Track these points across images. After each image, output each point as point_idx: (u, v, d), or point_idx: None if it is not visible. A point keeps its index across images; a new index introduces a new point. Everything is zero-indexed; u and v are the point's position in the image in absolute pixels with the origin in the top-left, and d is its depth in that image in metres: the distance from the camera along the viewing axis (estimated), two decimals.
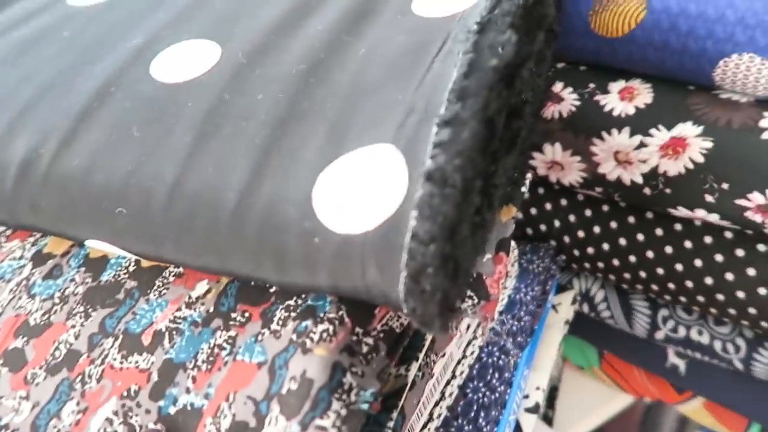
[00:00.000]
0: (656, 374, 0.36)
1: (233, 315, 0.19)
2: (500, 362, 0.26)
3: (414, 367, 0.19)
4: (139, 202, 0.18)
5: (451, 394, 0.25)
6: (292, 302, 0.19)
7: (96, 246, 0.21)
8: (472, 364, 0.26)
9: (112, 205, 0.19)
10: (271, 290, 0.19)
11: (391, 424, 0.18)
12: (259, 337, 0.18)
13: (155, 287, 0.21)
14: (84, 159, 0.19)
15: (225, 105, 0.19)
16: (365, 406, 0.16)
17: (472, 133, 0.16)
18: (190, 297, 0.20)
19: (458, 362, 0.26)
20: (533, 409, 0.28)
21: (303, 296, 0.19)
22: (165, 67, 0.21)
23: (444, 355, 0.23)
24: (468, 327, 0.26)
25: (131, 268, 0.21)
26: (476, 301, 0.21)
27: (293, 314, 0.18)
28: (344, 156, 0.17)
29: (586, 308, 0.34)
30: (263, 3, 0.23)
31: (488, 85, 0.16)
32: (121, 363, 0.19)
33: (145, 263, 0.22)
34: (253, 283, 0.20)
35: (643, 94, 0.26)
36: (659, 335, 0.32)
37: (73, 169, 0.19)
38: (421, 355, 0.20)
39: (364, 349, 0.18)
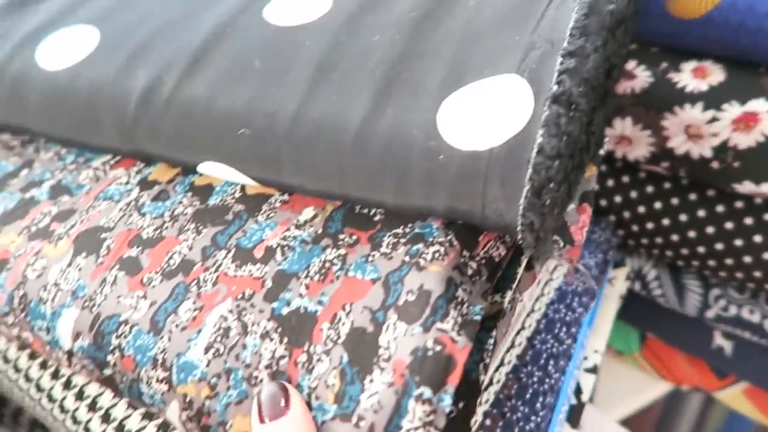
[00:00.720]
0: (700, 357, 0.37)
1: (341, 236, 0.21)
2: (567, 318, 0.28)
3: (508, 295, 0.21)
4: (262, 124, 0.20)
5: (520, 344, 0.26)
6: (399, 230, 0.20)
7: (209, 171, 0.23)
8: (540, 319, 0.28)
9: (235, 127, 0.20)
10: (376, 218, 0.21)
11: (490, 342, 0.19)
12: (370, 258, 0.19)
13: (262, 211, 0.22)
14: (206, 87, 0.21)
15: (341, 45, 0.21)
16: (477, 318, 0.18)
17: (594, 64, 0.17)
18: (297, 220, 0.21)
19: (528, 314, 0.27)
20: (592, 370, 0.29)
21: (409, 225, 0.20)
22: (277, 12, 0.23)
23: (522, 300, 0.25)
24: (538, 282, 0.28)
25: (237, 194, 0.23)
26: (562, 245, 0.23)
27: (402, 240, 0.20)
28: (467, 85, 0.18)
29: (637, 287, 0.36)
30: None
31: (606, 25, 0.18)
32: (235, 272, 0.20)
33: (250, 191, 0.23)
34: (358, 210, 0.21)
35: (716, 73, 0.28)
36: (710, 314, 0.33)
37: (197, 95, 0.21)
38: (514, 286, 0.21)
39: (470, 271, 0.19)
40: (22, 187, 0.25)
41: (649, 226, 0.32)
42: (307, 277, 0.19)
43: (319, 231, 0.21)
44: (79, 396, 0.24)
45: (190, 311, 0.19)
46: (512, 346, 0.26)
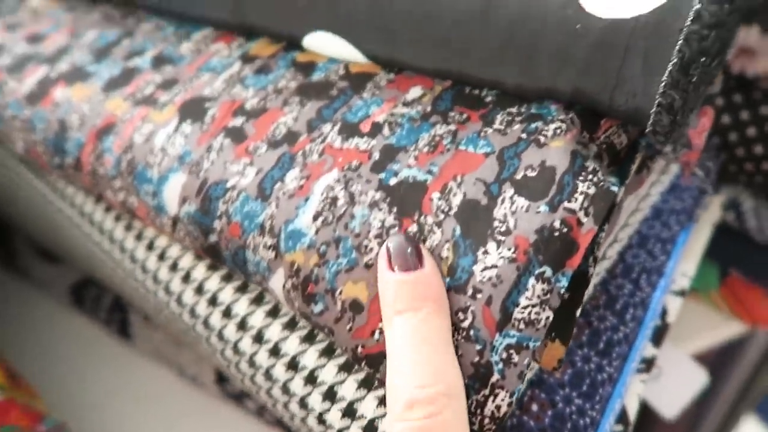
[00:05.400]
0: None
1: (451, 114, 0.20)
2: (662, 235, 0.26)
3: (622, 189, 0.20)
4: None
5: (609, 257, 0.26)
6: (514, 109, 0.19)
7: (316, 44, 0.22)
8: (632, 235, 0.27)
9: None
10: (488, 99, 0.20)
11: (601, 236, 0.19)
12: (482, 134, 0.19)
13: (367, 89, 0.21)
14: None
15: None
16: (614, 188, 0.17)
17: None
18: (405, 98, 0.21)
19: (621, 227, 0.26)
20: (680, 293, 0.28)
21: (525, 105, 0.19)
22: None
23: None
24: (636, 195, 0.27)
25: (341, 72, 0.22)
26: (679, 148, 0.21)
27: (518, 118, 0.19)
28: None
29: (730, 218, 0.34)
30: None
31: None
32: (342, 144, 0.20)
33: (354, 69, 0.22)
34: (469, 91, 0.20)
35: None
36: None
37: None
38: (628, 180, 0.20)
39: (592, 153, 0.18)
40: (125, 56, 0.25)
41: (758, 150, 0.30)
42: (415, 149, 0.19)
43: (428, 109, 0.20)
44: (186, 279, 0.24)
45: (297, 179, 0.19)
46: (603, 257, 0.25)
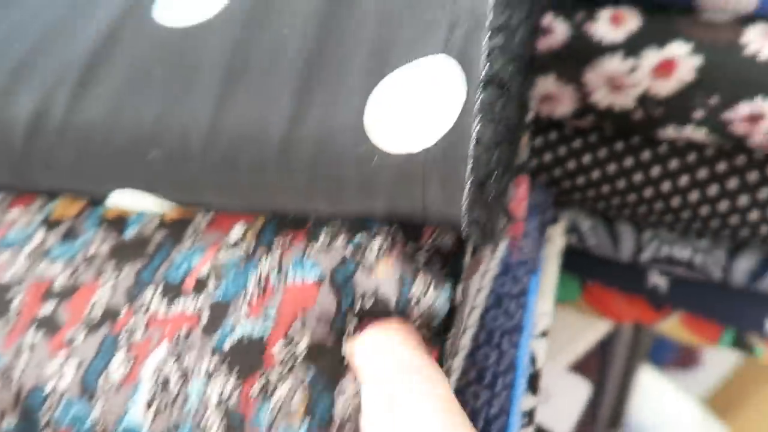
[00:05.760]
0: (637, 295, 0.38)
1: (276, 240, 0.19)
2: (514, 290, 0.27)
3: (459, 288, 0.19)
4: (174, 143, 0.18)
5: (471, 326, 0.26)
6: (337, 222, 0.19)
7: (120, 201, 0.20)
8: (488, 295, 0.27)
9: (144, 150, 0.18)
10: (312, 217, 0.19)
11: (448, 344, 0.18)
12: (307, 254, 0.18)
13: (186, 237, 0.20)
14: (104, 106, 0.18)
15: (248, 43, 0.19)
16: (445, 301, 0.17)
17: (521, 39, 0.16)
18: (227, 241, 0.19)
19: (477, 292, 0.26)
20: (543, 334, 0.29)
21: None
22: (168, 11, 0.20)
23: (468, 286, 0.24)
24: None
25: (156, 222, 0.20)
26: (504, 222, 0.22)
27: (342, 229, 0.18)
28: (392, 74, 0.17)
29: (573, 240, 0.36)
30: None
31: None
32: (167, 311, 0.18)
33: (170, 216, 0.21)
34: (292, 216, 0.19)
35: (632, 19, 0.27)
36: (644, 256, 0.34)
37: (93, 117, 0.18)
38: (464, 274, 0.20)
39: (421, 262, 0.18)
40: None
41: (580, 181, 0.32)
42: (245, 298, 0.18)
43: (252, 246, 0.19)
44: None
45: (123, 365, 0.17)
46: (465, 329, 0.25)
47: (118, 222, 0.20)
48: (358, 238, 0.18)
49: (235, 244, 0.19)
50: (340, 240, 0.18)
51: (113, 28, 0.20)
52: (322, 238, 0.18)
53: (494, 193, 0.15)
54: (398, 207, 0.17)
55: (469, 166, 0.15)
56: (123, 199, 0.20)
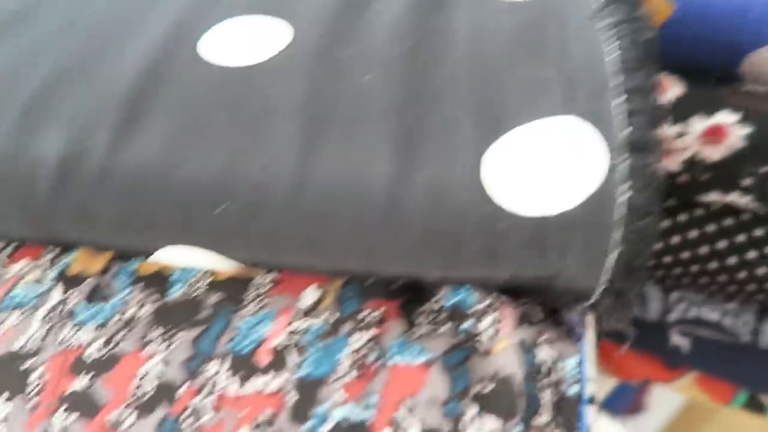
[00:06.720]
0: (658, 356, 0.38)
1: (362, 315, 0.17)
2: None
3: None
4: (251, 195, 0.16)
5: None
6: (427, 304, 0.17)
7: (166, 257, 0.18)
8: None
9: (211, 202, 0.16)
10: (394, 287, 0.17)
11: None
12: (411, 336, 0.16)
13: (247, 300, 0.17)
14: (159, 148, 0.16)
15: (323, 86, 0.17)
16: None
17: (655, 102, 0.16)
18: (301, 306, 0.17)
19: None
20: (590, 400, 0.28)
21: (435, 298, 0.17)
22: (217, 47, 0.18)
23: None
24: None
25: (205, 281, 0.18)
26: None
27: (441, 317, 0.17)
28: (510, 133, 0.16)
29: None
30: None
31: (652, 54, 0.17)
32: (240, 389, 0.16)
33: (222, 274, 0.18)
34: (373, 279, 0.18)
35: (675, 86, 0.28)
36: (671, 317, 0.34)
37: (147, 160, 0.16)
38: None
39: (537, 318, 0.17)
40: None
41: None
42: (339, 377, 0.16)
43: (335, 316, 0.17)
44: None
45: None
46: None
47: (158, 280, 0.18)
48: (464, 322, 0.16)
49: (313, 312, 0.17)
50: (443, 326, 0.16)
51: (155, 63, 0.18)
52: (421, 322, 0.17)
53: (640, 265, 0.15)
54: (525, 273, 0.16)
55: (620, 233, 0.14)
56: (171, 256, 0.18)
